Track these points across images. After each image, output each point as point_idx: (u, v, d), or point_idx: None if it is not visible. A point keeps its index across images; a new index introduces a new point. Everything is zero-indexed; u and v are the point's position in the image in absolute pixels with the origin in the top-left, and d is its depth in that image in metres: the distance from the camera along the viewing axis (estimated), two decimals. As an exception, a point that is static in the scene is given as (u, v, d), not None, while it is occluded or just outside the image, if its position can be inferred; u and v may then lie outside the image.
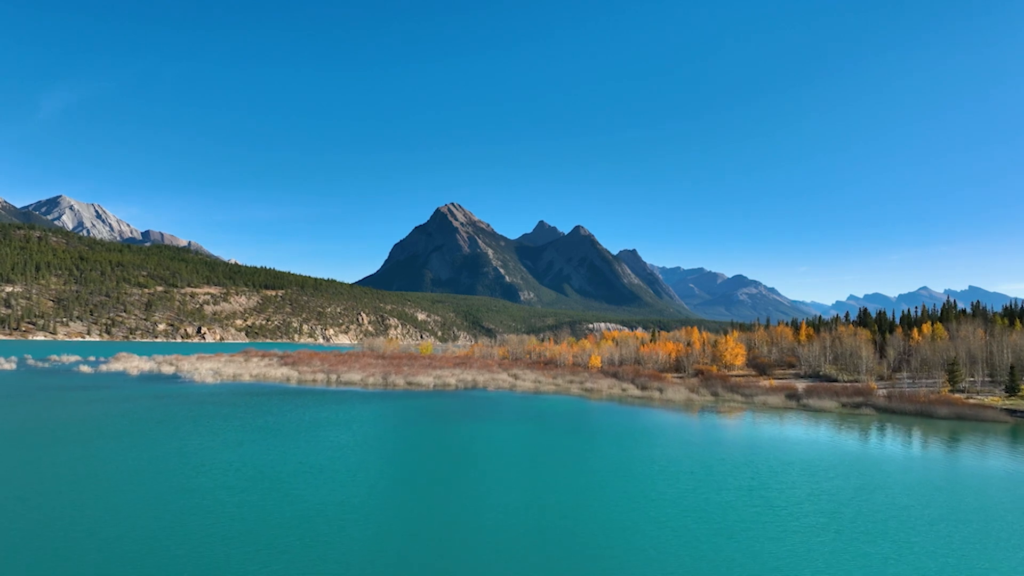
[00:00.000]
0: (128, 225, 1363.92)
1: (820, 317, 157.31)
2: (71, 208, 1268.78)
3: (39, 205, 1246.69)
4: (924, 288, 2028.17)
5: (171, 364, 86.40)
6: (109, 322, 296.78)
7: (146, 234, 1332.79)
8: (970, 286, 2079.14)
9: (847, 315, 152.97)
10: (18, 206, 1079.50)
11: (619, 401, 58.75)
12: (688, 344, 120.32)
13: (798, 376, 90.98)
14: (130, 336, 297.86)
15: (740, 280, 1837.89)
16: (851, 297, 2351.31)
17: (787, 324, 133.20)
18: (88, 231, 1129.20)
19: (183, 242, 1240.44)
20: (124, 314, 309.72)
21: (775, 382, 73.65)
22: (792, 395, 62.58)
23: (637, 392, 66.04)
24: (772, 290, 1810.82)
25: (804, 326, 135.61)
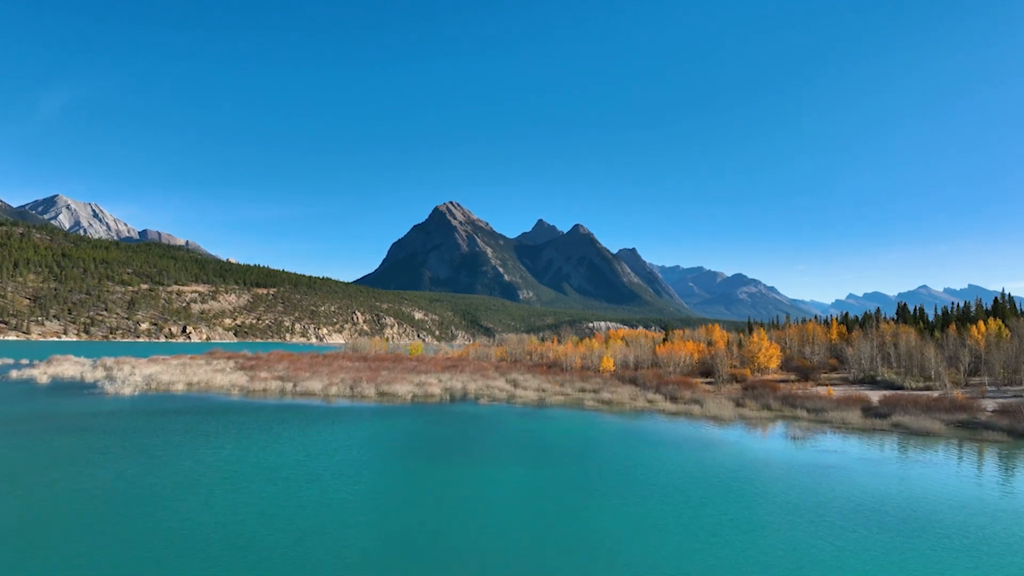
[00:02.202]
0: (125, 224, 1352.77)
1: (849, 314, 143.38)
2: (68, 207, 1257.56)
3: (35, 204, 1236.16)
4: (923, 287, 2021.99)
5: (105, 368, 72.46)
6: (88, 321, 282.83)
7: (143, 233, 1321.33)
8: (969, 284, 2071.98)
9: (878, 311, 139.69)
10: (14, 205, 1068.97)
11: (647, 416, 45.06)
12: (709, 344, 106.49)
13: (848, 381, 77.21)
14: (110, 336, 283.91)
15: (739, 279, 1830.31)
16: (850, 296, 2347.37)
17: (820, 322, 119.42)
18: (85, 230, 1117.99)
19: (180, 241, 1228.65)
20: (104, 313, 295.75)
21: (834, 391, 59.83)
22: (869, 409, 48.82)
23: (669, 406, 52.17)
24: (771, 289, 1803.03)
25: (835, 324, 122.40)
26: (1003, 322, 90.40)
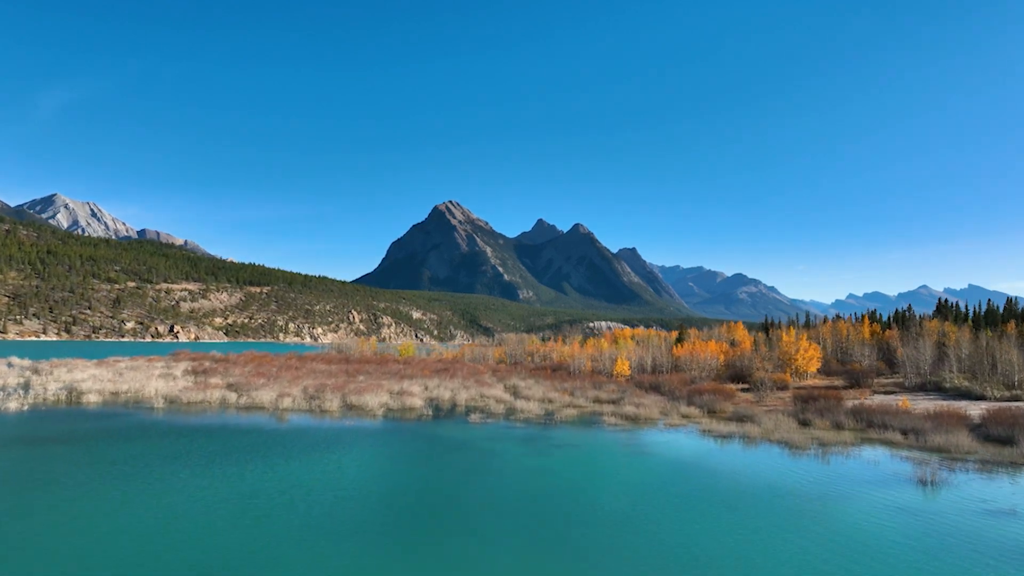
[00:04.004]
0: (124, 224, 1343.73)
1: (881, 315, 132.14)
2: (66, 207, 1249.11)
3: (33, 204, 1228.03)
4: (924, 287, 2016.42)
5: (32, 372, 60.95)
6: (70, 320, 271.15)
7: (142, 232, 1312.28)
8: (969, 284, 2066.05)
9: (909, 308, 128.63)
10: (12, 204, 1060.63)
11: (686, 435, 33.78)
12: (733, 344, 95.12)
13: (904, 388, 65.88)
14: (93, 335, 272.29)
15: (739, 279, 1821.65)
16: (850, 296, 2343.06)
17: (854, 320, 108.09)
18: (83, 229, 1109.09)
19: (179, 240, 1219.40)
20: (88, 311, 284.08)
21: (908, 402, 48.38)
22: (975, 429, 37.41)
23: (714, 423, 40.65)
24: (772, 289, 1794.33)
25: (867, 322, 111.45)
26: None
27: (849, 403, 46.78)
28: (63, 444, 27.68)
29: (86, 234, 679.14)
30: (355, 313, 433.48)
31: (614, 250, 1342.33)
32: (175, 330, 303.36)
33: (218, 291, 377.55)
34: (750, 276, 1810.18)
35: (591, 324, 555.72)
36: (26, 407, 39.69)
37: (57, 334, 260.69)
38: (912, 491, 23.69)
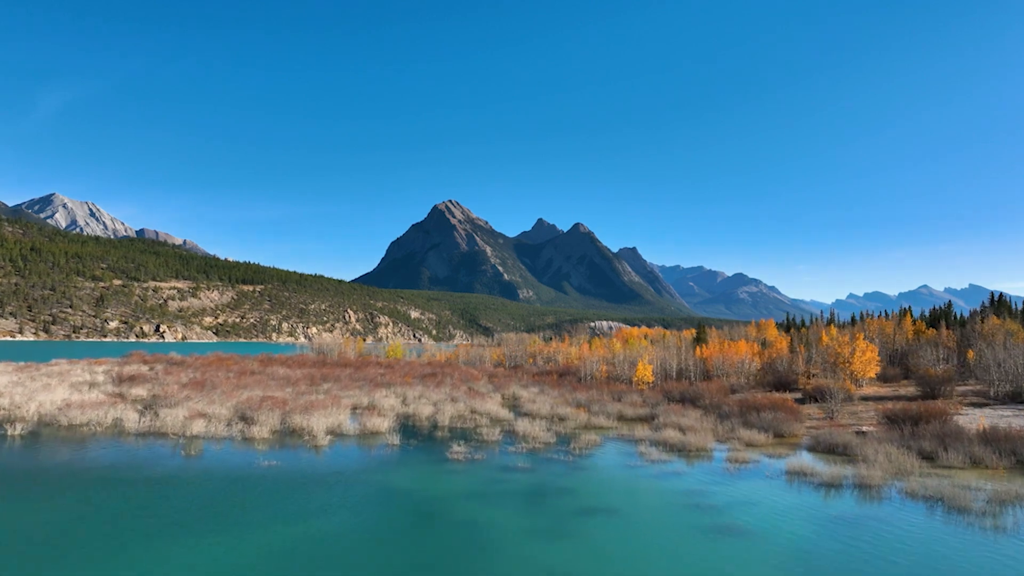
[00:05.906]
0: (123, 223, 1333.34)
1: (912, 310, 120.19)
2: (64, 206, 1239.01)
3: (32, 203, 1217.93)
4: (924, 287, 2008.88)
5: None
6: (49, 319, 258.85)
7: (140, 232, 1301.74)
8: (970, 284, 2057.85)
9: (949, 304, 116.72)
10: (10, 204, 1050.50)
11: (765, 479, 21.91)
12: (764, 344, 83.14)
13: (990, 398, 53.81)
14: (73, 335, 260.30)
15: (740, 278, 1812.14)
16: (851, 295, 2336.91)
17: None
18: (81, 229, 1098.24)
19: (178, 240, 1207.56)
20: (69, 310, 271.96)
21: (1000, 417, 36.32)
22: None
23: (808, 463, 28.60)
24: (772, 288, 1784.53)
25: (909, 319, 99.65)
26: None
27: (961, 422, 34.94)
28: None
29: (83, 233, 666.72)
30: (351, 312, 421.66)
31: (614, 250, 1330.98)
32: (161, 329, 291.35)
33: (209, 289, 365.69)
34: (751, 276, 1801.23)
35: (592, 324, 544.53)
36: None
37: (35, 334, 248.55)
38: None
